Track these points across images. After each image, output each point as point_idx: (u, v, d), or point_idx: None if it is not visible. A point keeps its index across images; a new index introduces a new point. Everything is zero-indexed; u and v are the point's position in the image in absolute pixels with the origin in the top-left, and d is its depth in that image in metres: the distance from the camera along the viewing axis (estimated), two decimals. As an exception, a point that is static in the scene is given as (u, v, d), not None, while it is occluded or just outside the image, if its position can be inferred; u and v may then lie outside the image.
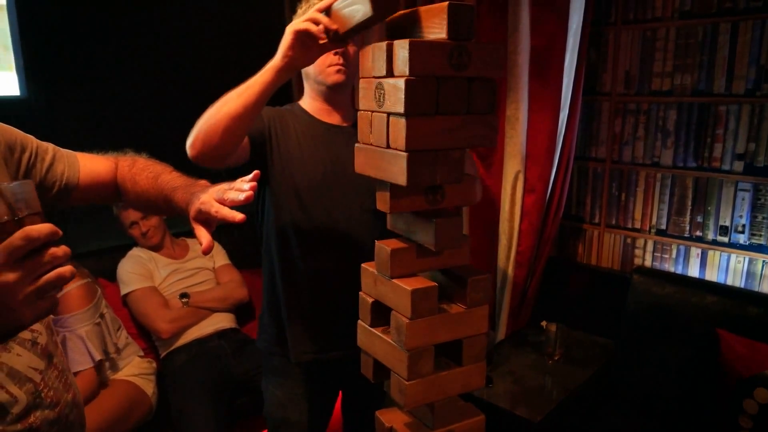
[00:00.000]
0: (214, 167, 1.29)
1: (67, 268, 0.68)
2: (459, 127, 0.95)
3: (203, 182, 1.10)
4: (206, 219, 1.01)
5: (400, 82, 0.90)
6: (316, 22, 1.10)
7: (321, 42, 1.13)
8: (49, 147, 1.04)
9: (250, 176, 1.02)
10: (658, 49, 2.22)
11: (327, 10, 1.11)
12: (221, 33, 2.81)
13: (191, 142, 1.23)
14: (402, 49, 0.91)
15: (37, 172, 0.99)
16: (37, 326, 0.93)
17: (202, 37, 2.76)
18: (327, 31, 1.10)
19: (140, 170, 1.15)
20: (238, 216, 0.97)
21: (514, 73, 2.21)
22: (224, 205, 0.98)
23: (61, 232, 0.67)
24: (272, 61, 1.18)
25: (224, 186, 1.02)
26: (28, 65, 2.26)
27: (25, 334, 0.90)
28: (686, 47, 2.16)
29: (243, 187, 0.99)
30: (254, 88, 1.19)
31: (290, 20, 1.62)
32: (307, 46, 1.14)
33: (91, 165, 1.10)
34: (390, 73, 0.95)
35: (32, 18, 2.26)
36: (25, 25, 2.24)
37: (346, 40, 1.14)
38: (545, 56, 2.16)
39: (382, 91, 0.96)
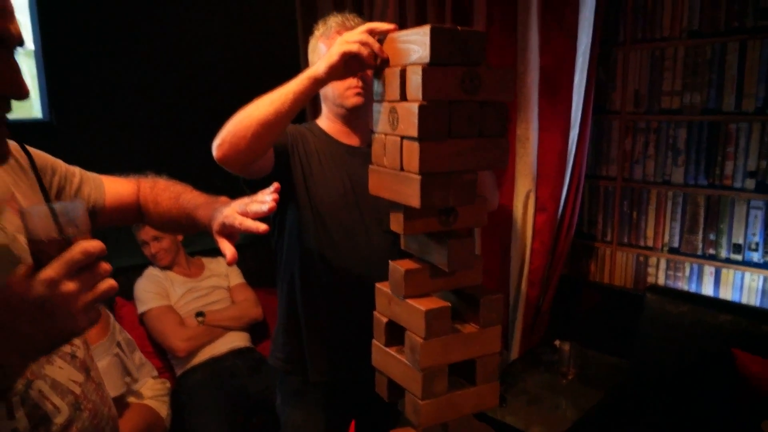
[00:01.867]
0: (236, 172, 1.30)
1: (113, 282, 0.75)
2: (471, 150, 0.97)
3: (224, 198, 1.12)
4: (230, 232, 1.03)
5: (414, 107, 0.93)
6: (367, 44, 1.06)
7: (367, 65, 1.09)
8: (77, 170, 1.08)
9: (272, 188, 1.03)
10: (666, 68, 2.24)
11: (379, 33, 1.07)
12: (236, 56, 2.87)
13: (218, 143, 1.22)
14: (415, 74, 0.93)
15: (66, 194, 1.03)
16: (76, 340, 0.96)
17: (217, 60, 2.82)
18: (375, 56, 1.06)
19: (162, 191, 1.18)
20: (262, 227, 0.99)
21: (524, 93, 2.24)
22: (247, 217, 1.01)
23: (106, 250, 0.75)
24: (312, 70, 1.15)
25: (246, 200, 1.04)
26: (50, 90, 2.34)
27: (65, 347, 0.93)
28: (695, 66, 2.17)
29: (265, 199, 1.01)
30: (289, 95, 1.17)
31: (304, 44, 1.65)
32: (350, 64, 1.11)
33: (115, 187, 1.13)
34: (403, 98, 0.97)
35: (54, 46, 2.33)
36: (48, 53, 2.32)
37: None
38: (555, 76, 2.19)
39: (396, 115, 0.99)
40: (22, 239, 0.84)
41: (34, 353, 0.73)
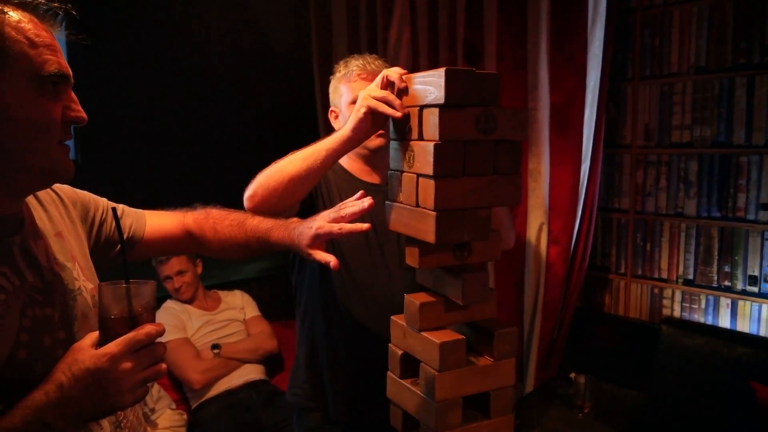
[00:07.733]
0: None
1: (164, 366, 0.83)
2: (485, 188, 1.00)
3: (295, 220, 1.19)
4: (323, 241, 1.11)
5: (430, 146, 0.96)
6: (389, 102, 1.10)
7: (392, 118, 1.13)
8: (119, 206, 1.14)
9: (358, 195, 1.13)
10: (676, 103, 2.28)
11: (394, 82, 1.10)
12: (254, 98, 2.95)
13: (250, 194, 1.28)
14: (432, 115, 0.97)
15: (107, 227, 1.09)
16: None
17: (237, 100, 2.90)
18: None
19: (220, 219, 1.22)
20: (364, 226, 1.07)
21: (535, 129, 2.28)
22: (344, 221, 1.08)
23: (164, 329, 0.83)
24: (342, 131, 1.20)
25: (332, 210, 1.12)
26: (77, 129, 2.42)
27: None
28: (703, 101, 2.21)
29: (356, 203, 1.09)
30: (320, 154, 1.21)
31: (321, 88, 1.64)
32: (377, 118, 1.15)
33: (156, 220, 1.18)
34: (420, 137, 1.01)
35: (82, 85, 2.42)
36: (76, 92, 2.41)
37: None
38: (565, 112, 2.23)
39: (413, 153, 1.03)
40: (70, 266, 0.90)
41: (79, 420, 0.78)
